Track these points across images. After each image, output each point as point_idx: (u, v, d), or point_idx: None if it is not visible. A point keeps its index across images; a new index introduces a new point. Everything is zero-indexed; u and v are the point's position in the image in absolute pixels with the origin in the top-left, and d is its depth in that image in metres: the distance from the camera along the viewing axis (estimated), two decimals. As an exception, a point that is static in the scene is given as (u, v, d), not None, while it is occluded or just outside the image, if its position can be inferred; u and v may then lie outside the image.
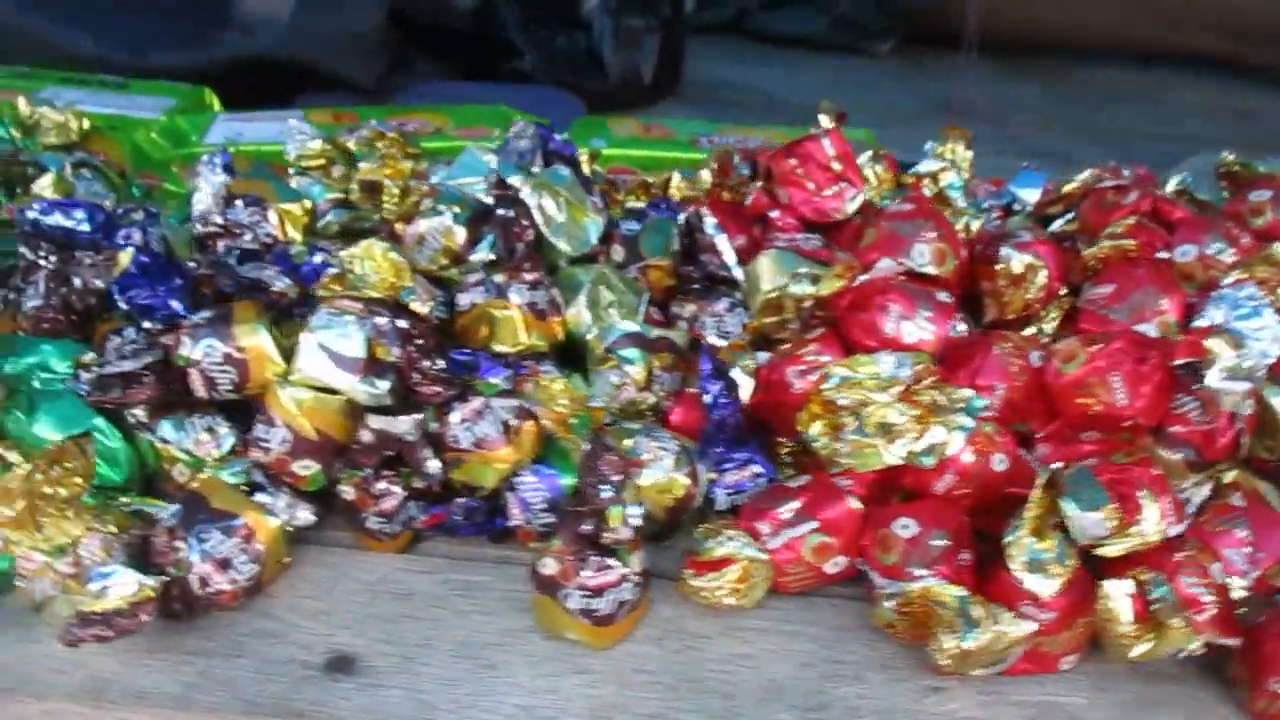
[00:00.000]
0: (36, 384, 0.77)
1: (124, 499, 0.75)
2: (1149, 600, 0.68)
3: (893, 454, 0.70)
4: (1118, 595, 0.67)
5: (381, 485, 0.74)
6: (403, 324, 0.73)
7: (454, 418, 0.74)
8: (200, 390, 0.77)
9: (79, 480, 0.69)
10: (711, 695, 0.69)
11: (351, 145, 0.95)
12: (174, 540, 0.70)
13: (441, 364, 0.74)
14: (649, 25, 1.40)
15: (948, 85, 1.62)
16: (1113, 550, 0.68)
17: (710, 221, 0.87)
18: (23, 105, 1.12)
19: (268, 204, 0.85)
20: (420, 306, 0.79)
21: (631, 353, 0.81)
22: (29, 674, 0.68)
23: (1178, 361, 0.75)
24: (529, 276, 0.81)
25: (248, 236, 0.84)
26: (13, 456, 0.78)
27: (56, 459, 0.68)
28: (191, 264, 0.84)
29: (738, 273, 0.87)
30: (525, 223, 0.82)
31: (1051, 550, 0.69)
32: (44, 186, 1.02)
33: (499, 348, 0.80)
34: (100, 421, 0.76)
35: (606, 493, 0.67)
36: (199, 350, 0.77)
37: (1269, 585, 0.72)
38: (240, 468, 0.77)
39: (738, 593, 0.73)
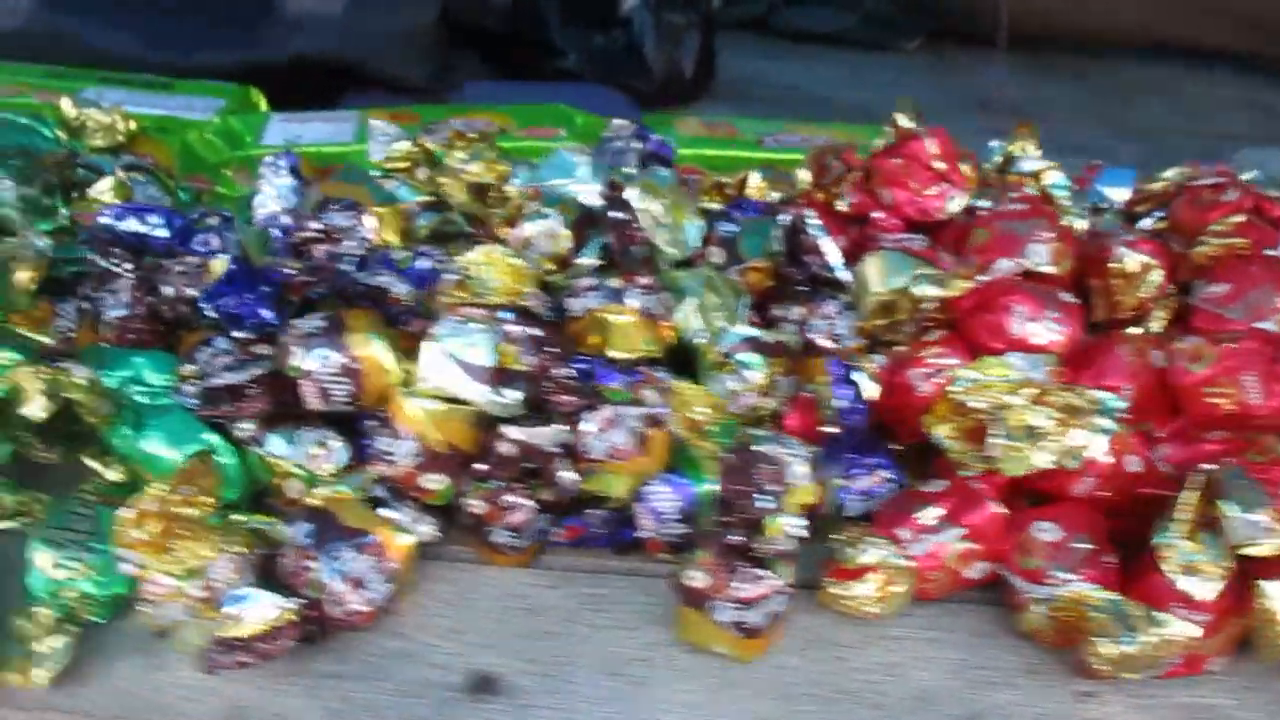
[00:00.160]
0: (141, 398, 0.73)
1: (237, 517, 0.72)
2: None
3: (1042, 458, 0.70)
4: (1278, 595, 0.67)
5: (511, 498, 0.72)
6: (535, 331, 0.71)
7: (587, 427, 0.72)
8: (314, 402, 0.75)
9: (208, 500, 0.66)
10: (863, 706, 0.68)
11: (433, 146, 0.92)
12: (305, 560, 0.67)
13: (572, 372, 0.72)
14: (690, 21, 1.38)
15: (977, 81, 1.62)
16: (1265, 550, 0.68)
17: (815, 223, 0.86)
18: (67, 106, 1.07)
19: (364, 207, 0.83)
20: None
21: (751, 358, 0.79)
22: (163, 704, 0.65)
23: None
24: (643, 281, 0.79)
25: (351, 242, 0.81)
26: (113, 474, 0.76)
27: (188, 478, 0.65)
28: (290, 270, 0.81)
29: (843, 274, 0.86)
30: (637, 225, 0.80)
31: (1203, 552, 0.68)
32: (102, 191, 0.98)
33: (614, 354, 0.78)
34: (212, 437, 0.73)
35: (765, 503, 0.65)
36: (313, 361, 0.74)
37: None
38: (356, 482, 0.75)
39: (881, 600, 0.72)
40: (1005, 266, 0.81)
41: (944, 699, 0.68)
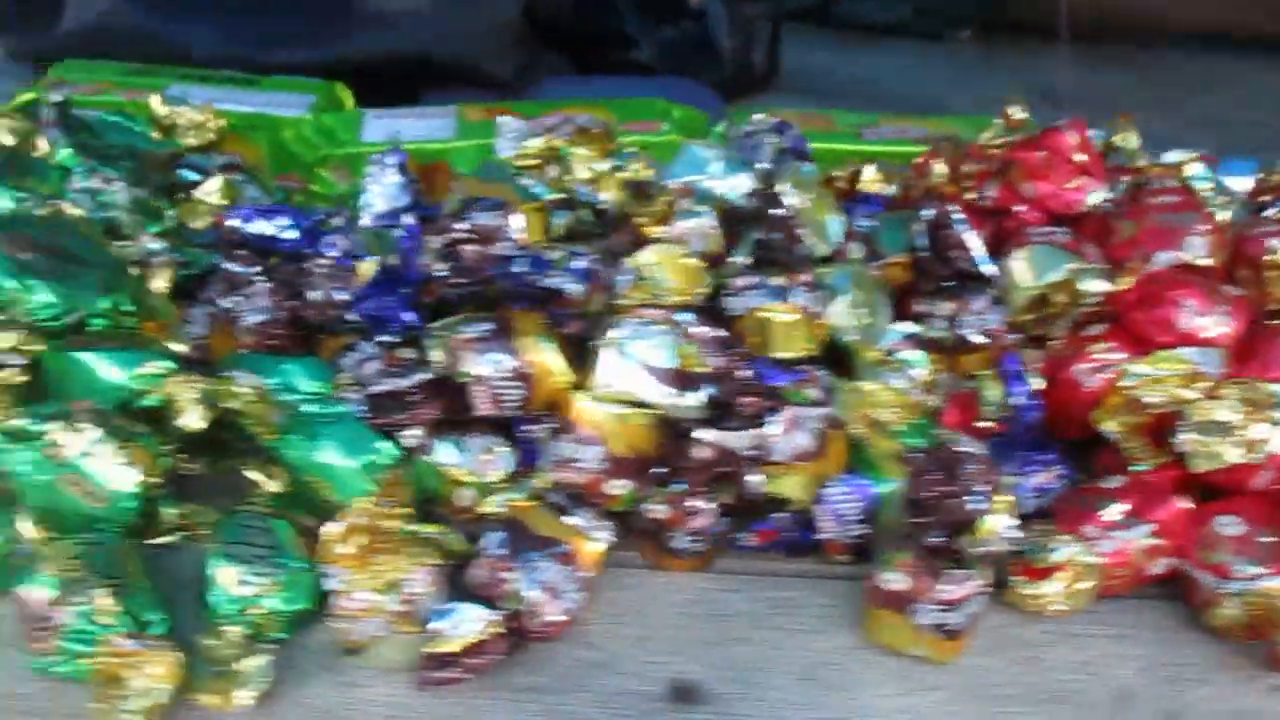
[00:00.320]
0: (309, 407, 0.71)
1: (421, 528, 0.70)
2: None
3: (1234, 453, 0.69)
4: None
5: (695, 502, 0.71)
6: (720, 332, 0.70)
7: (771, 429, 0.71)
8: (485, 408, 0.73)
9: (406, 512, 0.64)
10: (1064, 705, 0.67)
11: (558, 143, 0.91)
12: (501, 571, 0.65)
13: (753, 374, 0.71)
14: (761, 13, 1.37)
15: (1033, 72, 1.62)
16: None
17: (959, 217, 0.85)
18: (158, 104, 1.04)
19: (511, 207, 0.81)
20: (693, 313, 0.76)
21: (914, 354, 0.78)
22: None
23: None
24: (805, 278, 0.78)
25: (503, 243, 0.79)
26: (274, 485, 0.74)
27: (389, 491, 0.63)
28: (439, 271, 0.79)
29: (988, 269, 0.86)
30: (797, 222, 0.79)
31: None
32: (210, 192, 0.95)
33: (779, 354, 0.77)
34: (386, 445, 0.71)
35: (977, 503, 0.64)
36: (485, 365, 0.72)
37: None
38: (526, 489, 0.73)
39: (1069, 598, 0.71)
40: (1164, 260, 0.80)
41: (1143, 697, 0.68)
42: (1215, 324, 0.77)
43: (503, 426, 0.76)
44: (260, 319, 0.81)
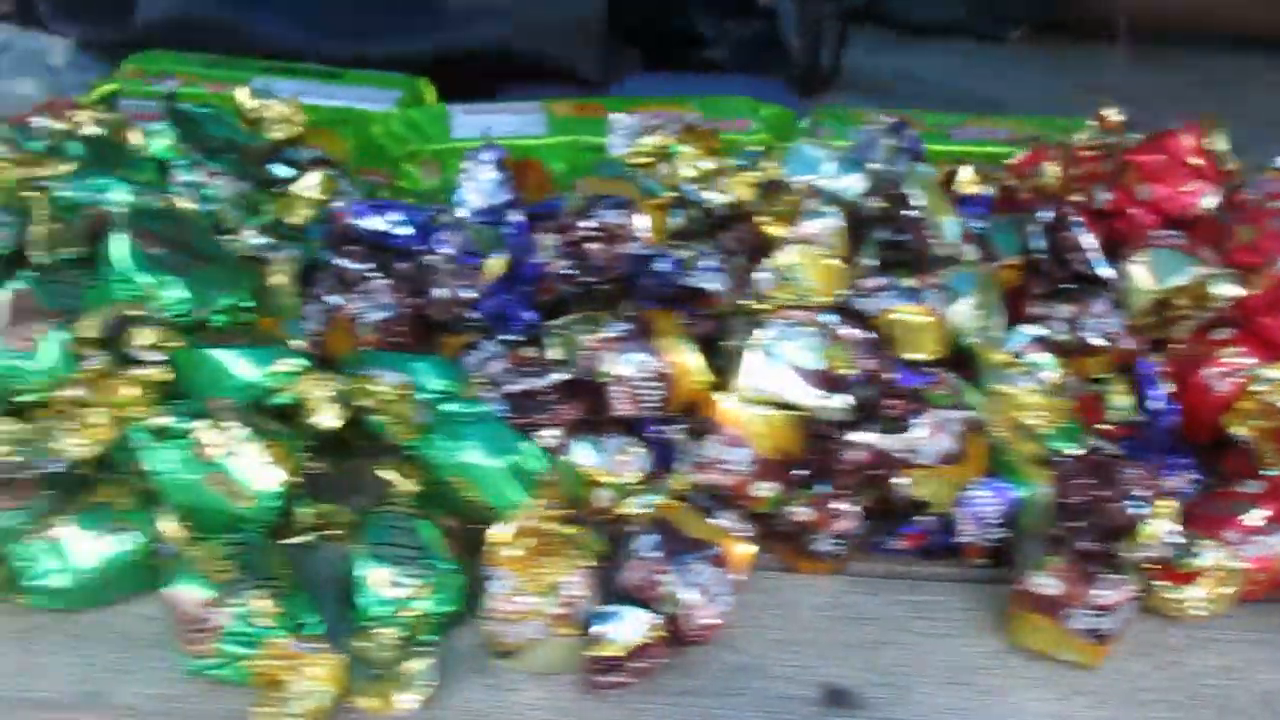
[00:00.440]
0: (452, 407, 0.70)
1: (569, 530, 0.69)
2: None
3: (1379, 457, 0.70)
4: None
5: (840, 504, 0.71)
6: (869, 334, 0.70)
7: (918, 432, 0.70)
8: (625, 408, 0.72)
9: (565, 514, 0.64)
10: (1212, 710, 0.67)
11: (668, 141, 0.90)
12: (657, 573, 0.65)
13: (898, 376, 0.71)
14: (830, 12, 1.37)
15: (1089, 72, 1.62)
16: None
17: (1077, 219, 0.85)
18: (246, 97, 1.03)
19: (637, 205, 0.80)
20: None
21: (1043, 358, 0.78)
22: (520, 725, 0.63)
23: None
24: (935, 280, 0.78)
25: (634, 243, 0.78)
26: (408, 485, 0.73)
27: (549, 492, 0.63)
28: (564, 269, 0.78)
29: (1105, 271, 0.85)
30: (926, 224, 0.79)
31: None
32: (309, 187, 0.94)
33: (911, 355, 0.77)
34: (529, 446, 0.70)
35: (1137, 508, 0.64)
36: (625, 365, 0.72)
37: None
38: (664, 490, 0.72)
39: (1211, 603, 0.71)
40: (1290, 264, 0.81)
41: (1291, 701, 0.68)
42: (1347, 329, 0.77)
43: (629, 426, 0.77)
44: (382, 316, 0.81)
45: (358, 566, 0.65)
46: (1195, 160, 0.87)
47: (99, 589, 0.66)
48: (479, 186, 0.94)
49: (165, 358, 0.69)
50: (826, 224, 0.80)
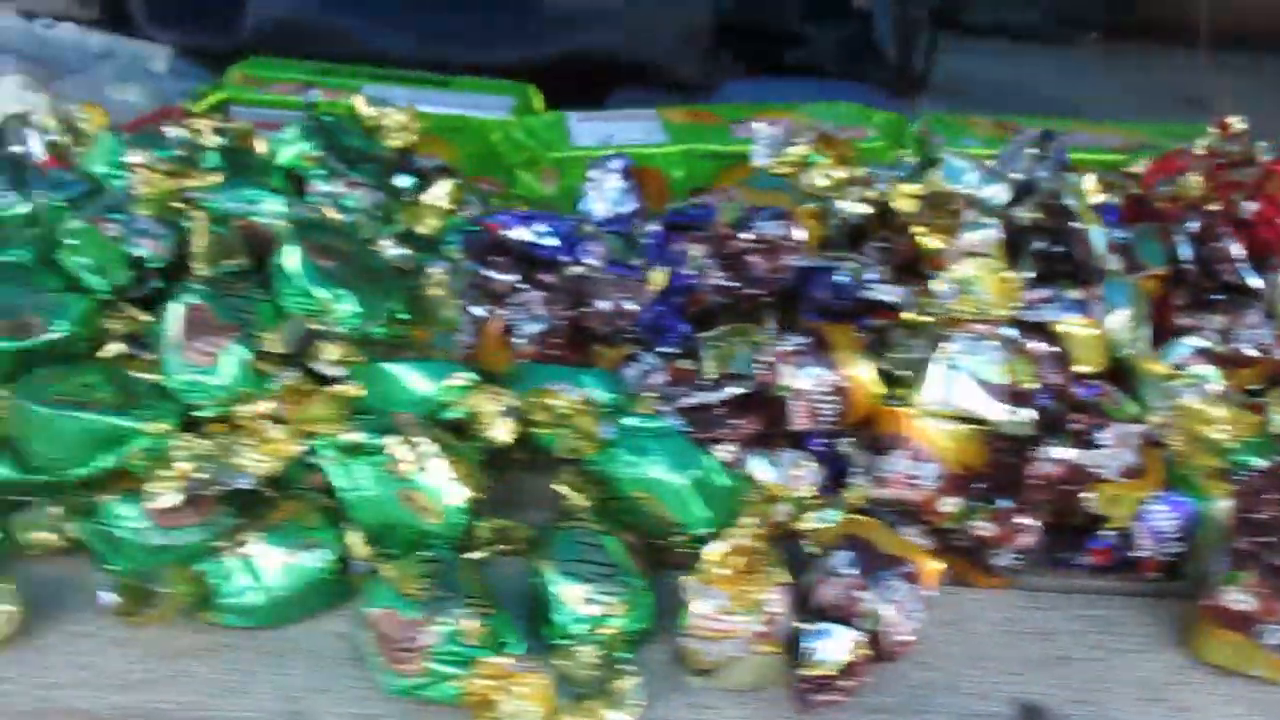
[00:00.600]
0: (631, 422, 0.70)
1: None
2: None
3: None
4: None
5: (1022, 519, 0.70)
6: (1056, 348, 0.69)
7: (1103, 446, 0.70)
8: (802, 422, 0.72)
9: (767, 531, 0.63)
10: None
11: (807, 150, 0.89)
12: (856, 589, 0.64)
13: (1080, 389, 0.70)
14: (922, 16, 1.36)
15: (1167, 75, 1.62)
16: None
17: (1225, 229, 0.85)
18: (363, 105, 1.02)
19: (795, 217, 0.80)
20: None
21: (1206, 369, 0.78)
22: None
23: None
24: (1098, 291, 0.78)
25: (792, 254, 0.77)
26: (578, 499, 0.72)
27: (755, 509, 0.62)
28: (722, 281, 0.78)
29: (1255, 281, 0.85)
30: (1087, 235, 0.78)
31: None
32: (440, 196, 0.93)
33: (1079, 368, 0.76)
34: (711, 461, 0.70)
35: (1341, 524, 0.64)
36: (805, 380, 0.71)
37: None
38: (839, 506, 0.72)
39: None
40: None
41: None
42: None
43: (796, 440, 0.76)
44: (538, 329, 0.80)
45: (550, 583, 0.65)
46: (1337, 170, 0.88)
47: (289, 606, 0.65)
48: (605, 195, 0.95)
49: (348, 373, 0.68)
50: (987, 235, 0.80)
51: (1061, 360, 0.70)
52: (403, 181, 0.95)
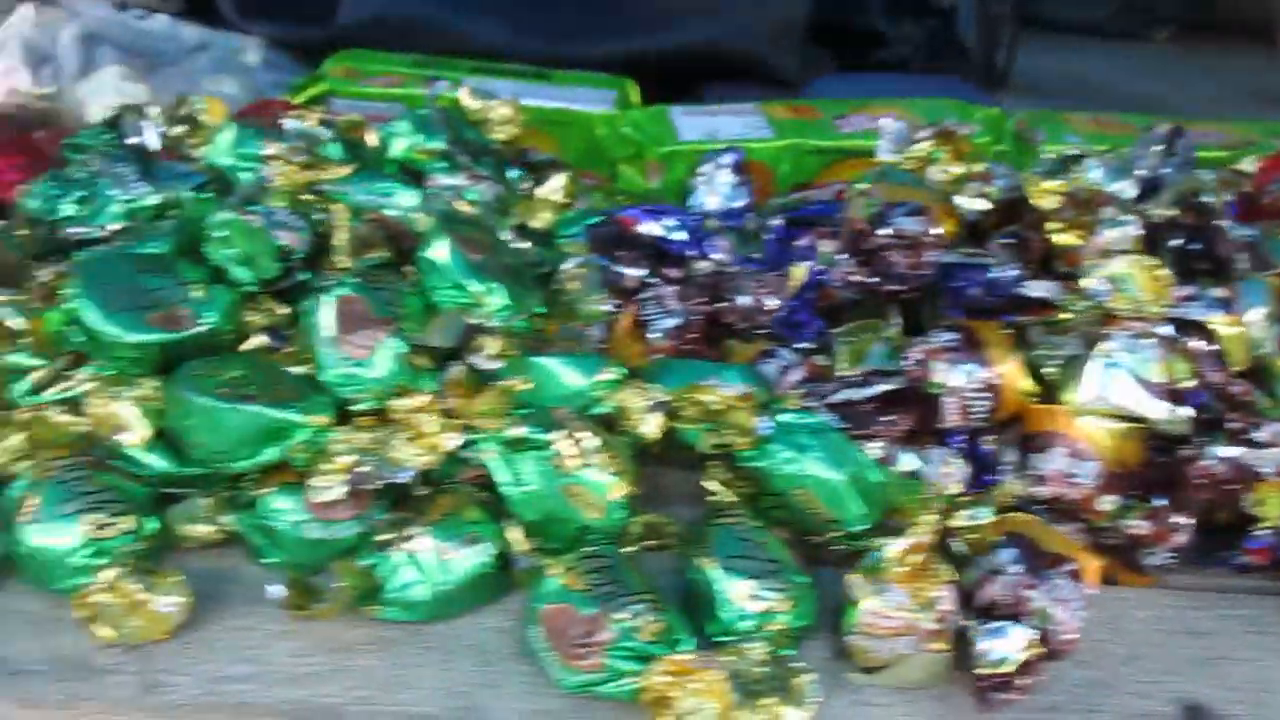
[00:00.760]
0: (787, 418, 0.69)
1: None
2: None
3: None
4: None
5: (1177, 518, 0.70)
6: (1214, 346, 0.69)
7: (1262, 445, 0.69)
8: (954, 419, 0.71)
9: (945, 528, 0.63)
10: None
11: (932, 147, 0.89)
12: (1024, 588, 0.64)
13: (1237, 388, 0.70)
14: (1006, 12, 1.36)
15: (1242, 73, 1.61)
16: None
17: (1357, 227, 0.84)
18: (468, 98, 1.02)
19: (933, 212, 0.79)
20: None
21: (1344, 368, 0.78)
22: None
23: None
24: (1237, 290, 0.77)
25: (931, 250, 0.77)
26: (727, 495, 0.72)
27: (930, 506, 0.62)
28: (862, 277, 0.77)
29: (1388, 281, 0.85)
30: (1228, 233, 0.78)
31: None
32: (554, 190, 0.93)
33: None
34: (864, 457, 0.69)
35: None
36: (958, 376, 0.71)
37: None
38: (990, 504, 0.71)
39: None
40: None
41: None
42: None
43: (940, 437, 0.76)
44: (674, 323, 0.80)
45: (714, 579, 0.65)
46: None
47: (452, 601, 0.65)
48: (717, 189, 0.94)
49: (503, 366, 0.68)
50: (1126, 232, 0.79)
51: (1218, 358, 0.70)
52: (512, 175, 0.97)
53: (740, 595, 0.64)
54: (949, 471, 0.72)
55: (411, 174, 0.90)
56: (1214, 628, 0.71)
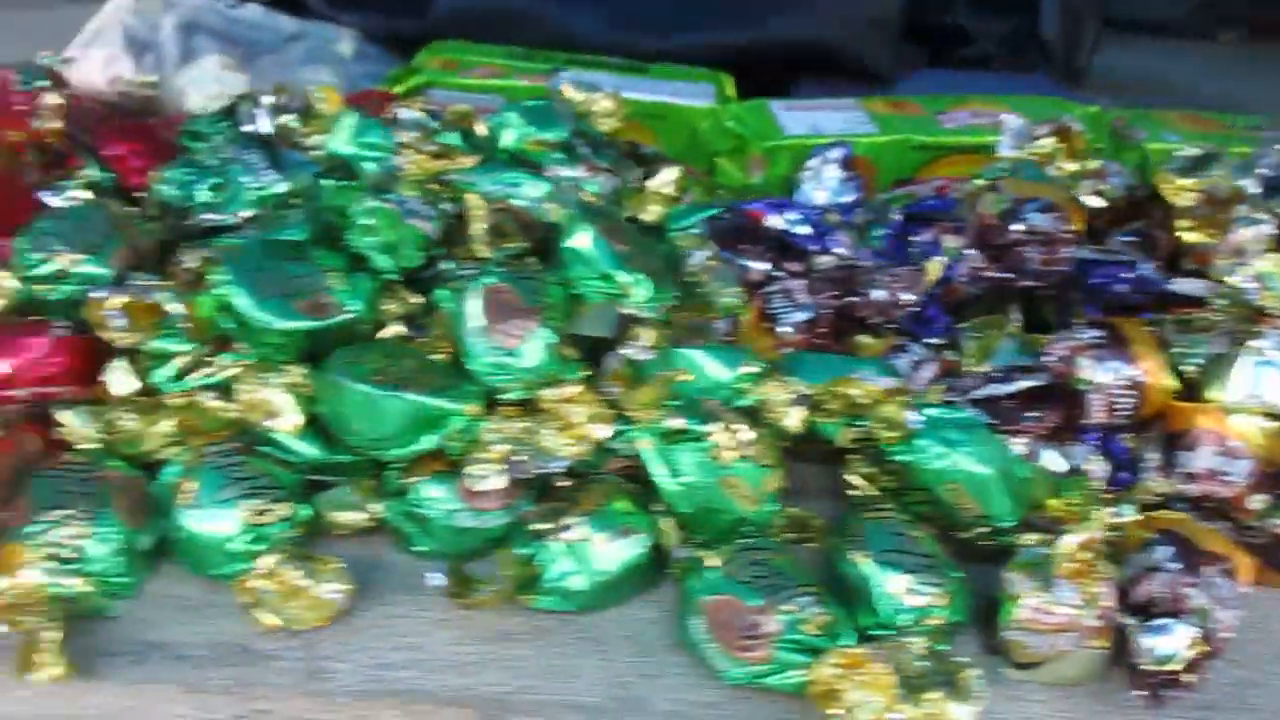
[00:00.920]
0: (935, 412, 0.69)
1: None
2: None
3: None
4: None
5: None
6: (1369, 345, 0.69)
7: None
8: (1099, 415, 0.71)
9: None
10: None
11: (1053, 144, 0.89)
12: (1182, 586, 0.64)
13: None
14: (1090, 10, 1.35)
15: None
16: None
17: None
18: (571, 90, 1.02)
19: (1064, 209, 0.79)
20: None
21: None
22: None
23: None
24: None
25: (1066, 246, 0.77)
26: (869, 489, 0.72)
27: (1100, 503, 0.62)
28: (993, 273, 0.77)
29: None
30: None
31: None
32: (666, 183, 0.93)
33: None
34: (1011, 453, 0.69)
35: None
36: (1104, 373, 0.71)
37: None
38: (1134, 501, 0.71)
39: None
40: None
41: None
42: None
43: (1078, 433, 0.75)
44: (805, 317, 0.80)
45: (869, 573, 0.64)
46: None
47: (607, 592, 0.65)
48: (825, 184, 0.94)
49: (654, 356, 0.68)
50: (1260, 231, 0.79)
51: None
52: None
53: (898, 589, 0.64)
54: (1091, 469, 0.72)
55: (523, 165, 0.91)
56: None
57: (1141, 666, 0.61)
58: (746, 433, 0.65)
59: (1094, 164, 0.92)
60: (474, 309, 0.69)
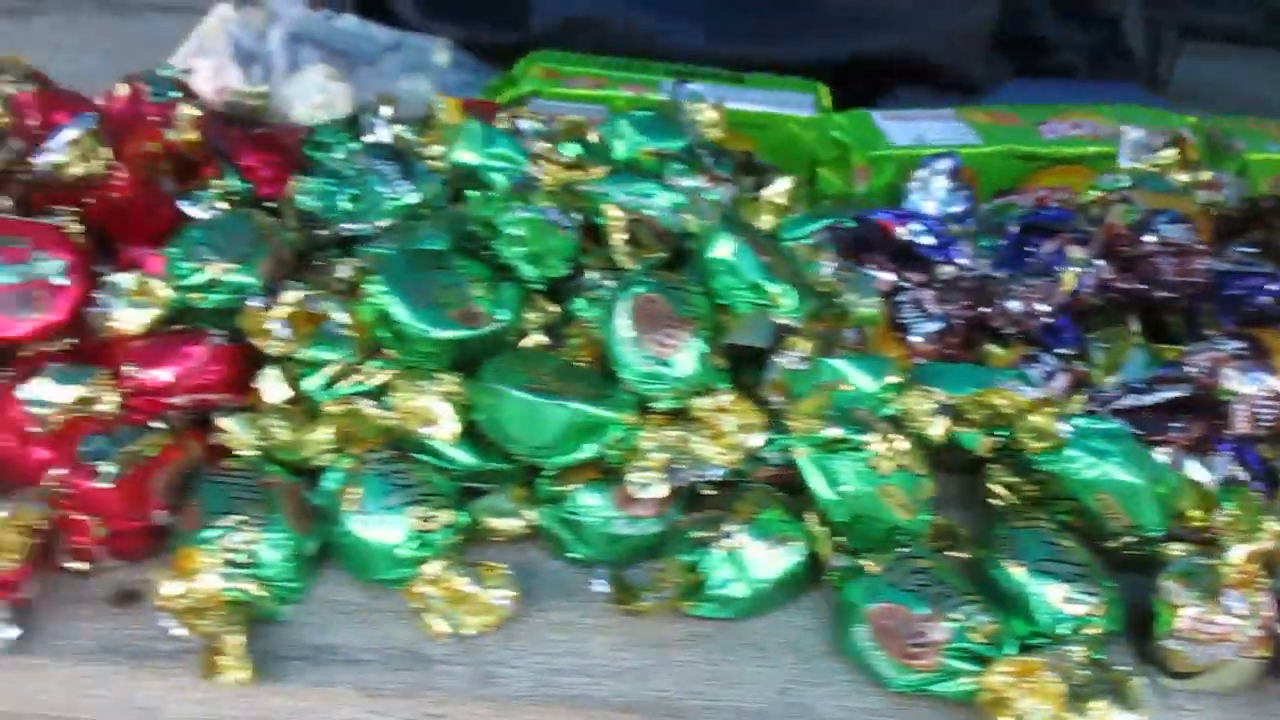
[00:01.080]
0: (1082, 422, 0.70)
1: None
2: None
3: None
4: None
5: None
6: None
7: None
8: (1243, 426, 0.72)
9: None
10: None
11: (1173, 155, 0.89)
12: None
13: None
14: (1170, 19, 1.36)
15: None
16: None
17: None
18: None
19: (1192, 219, 0.79)
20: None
21: None
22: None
23: None
24: None
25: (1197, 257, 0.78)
26: (1010, 498, 0.72)
27: (1263, 513, 0.63)
28: (1128, 285, 0.78)
29: None
30: None
31: None
32: (779, 193, 0.93)
33: None
34: (1158, 463, 0.70)
35: None
36: (1249, 384, 0.71)
37: None
38: (1275, 512, 0.71)
39: None
40: None
41: None
42: None
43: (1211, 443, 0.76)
44: (936, 328, 0.81)
45: (1025, 582, 0.65)
46: None
47: (765, 599, 0.66)
48: (933, 194, 0.95)
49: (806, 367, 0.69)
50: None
51: None
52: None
53: (1056, 598, 0.65)
54: (1234, 480, 0.73)
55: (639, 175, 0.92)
56: None
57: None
58: (903, 442, 0.66)
59: (1206, 175, 0.93)
60: (624, 318, 0.70)
